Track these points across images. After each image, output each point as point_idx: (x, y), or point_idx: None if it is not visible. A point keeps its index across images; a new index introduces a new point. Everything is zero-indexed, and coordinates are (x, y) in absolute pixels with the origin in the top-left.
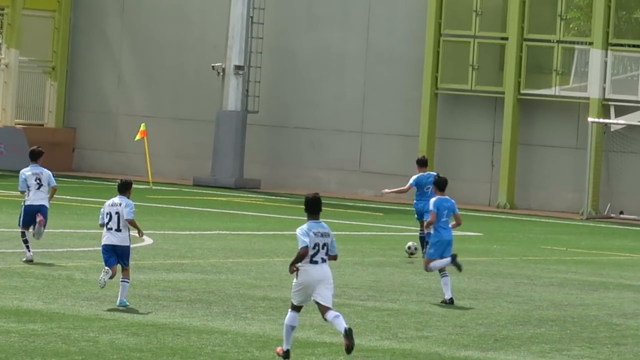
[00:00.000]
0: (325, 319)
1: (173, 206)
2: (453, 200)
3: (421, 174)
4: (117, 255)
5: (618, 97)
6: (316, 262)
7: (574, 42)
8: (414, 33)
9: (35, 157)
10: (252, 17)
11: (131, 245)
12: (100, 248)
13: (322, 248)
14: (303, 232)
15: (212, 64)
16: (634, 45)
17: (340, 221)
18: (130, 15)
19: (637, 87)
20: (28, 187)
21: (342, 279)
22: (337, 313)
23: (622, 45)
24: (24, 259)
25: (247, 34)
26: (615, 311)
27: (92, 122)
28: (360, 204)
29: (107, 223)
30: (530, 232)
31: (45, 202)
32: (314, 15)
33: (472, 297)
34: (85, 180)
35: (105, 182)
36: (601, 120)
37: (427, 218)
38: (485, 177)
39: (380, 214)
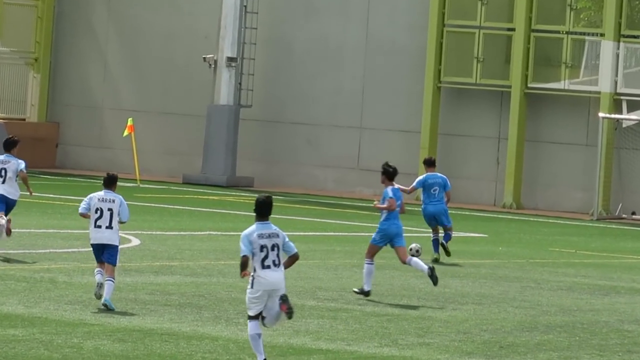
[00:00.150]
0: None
1: (161, 205)
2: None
3: (427, 174)
4: (105, 253)
5: (630, 91)
6: (268, 267)
7: (584, 33)
8: (416, 23)
9: (7, 146)
10: (245, 5)
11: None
12: (89, 248)
13: (272, 249)
14: (243, 239)
15: (204, 56)
16: None
17: (338, 221)
18: (118, 3)
19: None
20: None
21: (339, 282)
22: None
23: (635, 36)
24: None
25: (240, 23)
26: (627, 317)
27: (77, 117)
28: (359, 204)
29: (97, 219)
30: (537, 234)
31: (7, 194)
32: (311, 4)
33: (476, 301)
34: (69, 178)
35: (90, 180)
36: (612, 115)
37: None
38: (491, 176)
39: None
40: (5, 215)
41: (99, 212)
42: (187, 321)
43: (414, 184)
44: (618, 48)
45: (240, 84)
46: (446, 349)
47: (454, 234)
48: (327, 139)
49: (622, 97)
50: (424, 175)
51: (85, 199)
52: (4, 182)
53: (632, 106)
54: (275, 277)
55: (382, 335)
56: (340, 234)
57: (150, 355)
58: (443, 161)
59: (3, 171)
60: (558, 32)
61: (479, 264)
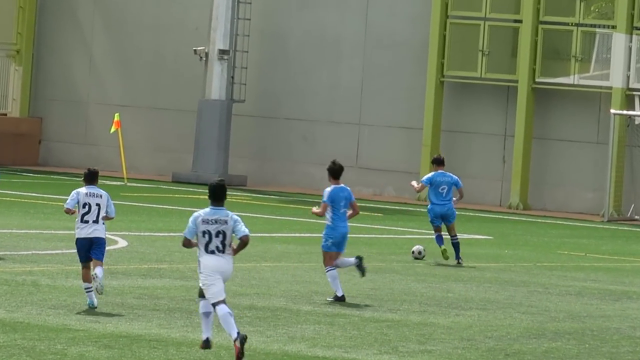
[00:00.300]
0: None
1: (150, 205)
2: (349, 189)
3: (435, 172)
4: (91, 248)
5: None
6: (212, 252)
7: (595, 25)
8: (418, 14)
9: None
10: None
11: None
12: (74, 250)
13: (217, 236)
14: (190, 220)
15: (194, 48)
16: None
17: None
18: None
19: None
20: None
21: None
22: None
23: None
24: None
25: (232, 14)
26: (639, 323)
27: (61, 112)
28: (358, 204)
29: (85, 214)
30: (545, 236)
31: None
32: None
33: (480, 307)
34: (52, 176)
35: (74, 178)
36: (624, 112)
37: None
38: (496, 175)
39: (380, 214)
40: None
41: (87, 207)
42: (177, 327)
43: (423, 180)
44: (630, 41)
45: (232, 77)
46: (449, 357)
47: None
48: (324, 135)
49: (634, 93)
50: (433, 173)
51: (72, 193)
52: None
53: None
54: (218, 263)
55: (381, 342)
56: None
57: None
58: (446, 159)
59: None
60: (567, 24)
61: (484, 267)
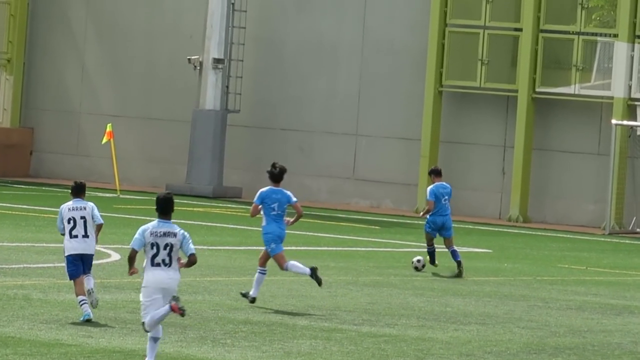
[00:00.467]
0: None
1: (143, 217)
2: (289, 193)
3: (437, 184)
4: (82, 264)
5: None
6: (158, 265)
7: (596, 34)
8: (417, 22)
9: None
10: (233, 3)
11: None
12: (65, 261)
13: (164, 249)
14: (139, 232)
15: (188, 57)
16: None
17: (332, 235)
18: (96, 0)
19: None
20: None
21: (333, 301)
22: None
23: None
24: None
25: (227, 22)
26: None
27: (52, 122)
28: (355, 216)
29: (71, 230)
30: (545, 249)
31: None
32: (303, 0)
33: (479, 321)
34: (44, 187)
35: (66, 190)
36: (626, 122)
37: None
38: (496, 187)
39: (377, 227)
40: None
41: (72, 222)
42: (171, 341)
43: (429, 197)
44: (632, 50)
45: (227, 87)
46: None
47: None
48: (320, 146)
49: (636, 103)
50: (434, 186)
51: (58, 215)
52: None
53: None
54: (163, 277)
55: (379, 358)
56: (334, 248)
57: None
58: (444, 171)
59: None
60: (568, 32)
61: (483, 281)
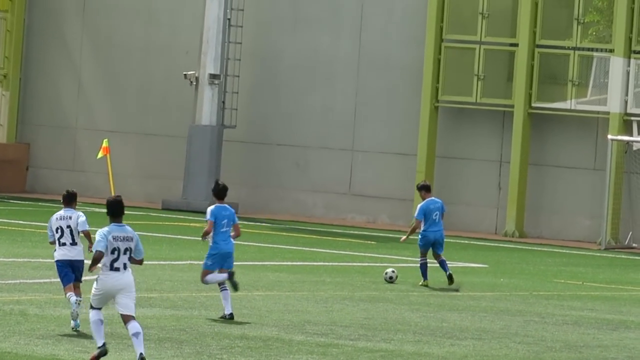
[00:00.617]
0: (127, 328)
1: (139, 233)
2: (233, 209)
3: (428, 200)
4: (72, 270)
5: None
6: (117, 270)
7: (592, 49)
8: (413, 37)
9: None
10: (229, 19)
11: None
12: (56, 269)
13: (124, 253)
14: (102, 235)
15: (184, 72)
16: None
17: (328, 250)
18: (92, 16)
19: None
20: None
21: (329, 316)
22: (139, 329)
23: None
24: None
25: (223, 38)
26: (637, 353)
27: (49, 137)
28: (351, 231)
29: (60, 238)
30: (541, 264)
31: None
32: (299, 16)
33: (475, 336)
34: (40, 203)
35: (62, 205)
36: (622, 137)
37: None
38: (492, 202)
39: (373, 242)
40: None
41: (59, 231)
42: (167, 357)
43: (417, 215)
44: (628, 65)
45: (223, 102)
46: None
47: (452, 264)
48: (316, 161)
49: (632, 118)
50: (425, 202)
51: (48, 225)
52: None
53: None
54: (120, 280)
55: None
56: (330, 264)
57: None
58: (441, 186)
59: None
60: (564, 47)
61: (479, 296)
